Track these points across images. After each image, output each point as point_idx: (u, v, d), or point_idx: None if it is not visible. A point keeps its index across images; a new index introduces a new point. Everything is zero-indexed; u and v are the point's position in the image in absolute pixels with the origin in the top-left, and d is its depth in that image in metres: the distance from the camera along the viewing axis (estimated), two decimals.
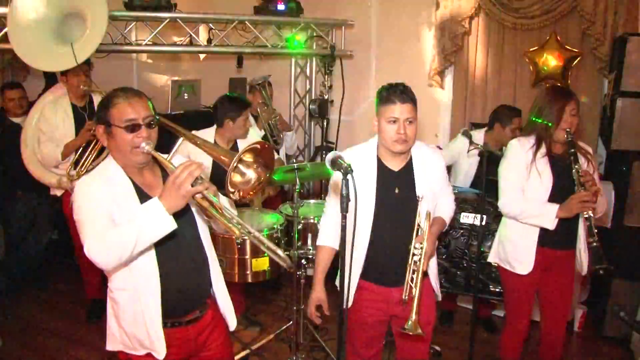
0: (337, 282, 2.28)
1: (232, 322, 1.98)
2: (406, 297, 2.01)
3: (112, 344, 1.81)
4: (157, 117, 1.78)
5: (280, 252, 1.62)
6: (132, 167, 1.75)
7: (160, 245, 1.66)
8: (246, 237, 1.64)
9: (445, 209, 2.24)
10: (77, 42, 3.01)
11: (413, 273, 2.00)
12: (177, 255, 1.77)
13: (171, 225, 1.56)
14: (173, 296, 1.75)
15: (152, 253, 1.70)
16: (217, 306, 1.95)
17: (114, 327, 1.80)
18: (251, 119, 3.95)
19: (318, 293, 2.22)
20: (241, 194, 1.66)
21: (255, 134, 3.50)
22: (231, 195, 1.61)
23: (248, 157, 1.67)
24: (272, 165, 1.71)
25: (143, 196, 1.71)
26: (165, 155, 1.79)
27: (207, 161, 3.14)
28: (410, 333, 1.92)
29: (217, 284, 1.92)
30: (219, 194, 1.66)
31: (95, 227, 1.61)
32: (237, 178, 1.65)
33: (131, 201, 1.70)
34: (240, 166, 1.66)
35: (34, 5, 2.91)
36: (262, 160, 1.68)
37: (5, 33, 3.38)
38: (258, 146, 1.66)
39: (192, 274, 1.82)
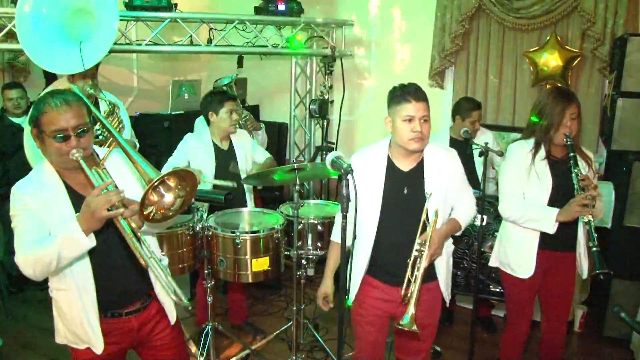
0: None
1: (172, 317, 1.99)
2: (403, 293, 2.01)
3: (58, 338, 1.89)
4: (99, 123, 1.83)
5: (178, 290, 1.66)
6: (66, 168, 1.76)
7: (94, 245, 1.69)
8: (150, 265, 1.67)
9: (462, 213, 2.20)
10: (85, 43, 2.98)
11: (414, 269, 2.00)
12: (112, 252, 1.80)
13: (89, 244, 1.62)
14: (110, 291, 1.81)
15: (85, 254, 1.73)
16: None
17: (57, 322, 1.88)
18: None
19: (325, 286, 2.29)
20: (155, 211, 1.63)
21: (247, 136, 3.48)
22: (145, 211, 1.60)
23: (171, 181, 1.64)
24: (190, 198, 1.69)
25: (77, 197, 1.73)
26: (103, 151, 1.82)
27: (208, 161, 3.15)
28: (406, 329, 1.92)
29: (156, 280, 1.90)
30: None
31: (24, 240, 1.66)
32: (154, 197, 1.62)
33: (63, 206, 1.73)
34: (161, 187, 1.64)
35: (41, 2, 2.89)
36: (183, 189, 1.66)
37: (6, 33, 3.39)
38: (183, 173, 1.64)
39: (128, 269, 1.84)
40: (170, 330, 2.00)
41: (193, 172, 1.67)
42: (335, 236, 2.26)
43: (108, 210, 1.58)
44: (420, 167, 2.11)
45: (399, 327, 1.93)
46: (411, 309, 1.93)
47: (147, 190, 1.55)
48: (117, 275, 1.82)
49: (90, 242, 1.63)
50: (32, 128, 1.71)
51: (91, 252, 1.73)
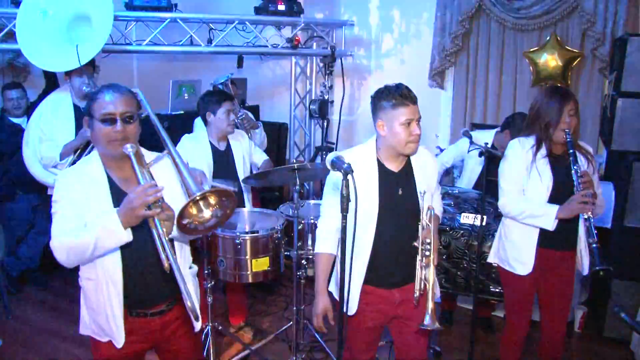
0: (331, 288, 2.23)
1: (196, 325, 1.99)
2: (418, 294, 2.01)
3: (82, 329, 1.93)
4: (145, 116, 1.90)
5: (195, 300, 1.69)
6: (112, 160, 1.81)
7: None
8: (173, 267, 1.69)
9: (437, 208, 2.26)
10: (82, 43, 3.01)
11: (423, 269, 2.00)
12: (142, 251, 1.82)
13: (126, 237, 1.68)
14: (136, 289, 1.84)
15: (117, 248, 1.77)
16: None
17: (83, 313, 1.92)
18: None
19: (324, 303, 2.13)
20: (192, 224, 1.69)
21: (245, 137, 3.48)
22: (183, 223, 1.65)
23: (212, 198, 1.70)
24: (227, 218, 1.76)
25: (117, 192, 1.78)
26: (151, 154, 1.87)
27: (206, 162, 3.15)
28: (429, 328, 1.93)
29: (182, 285, 1.87)
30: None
31: (62, 227, 1.72)
32: (193, 210, 1.68)
33: (103, 199, 1.77)
34: (201, 202, 1.70)
35: (43, 6, 2.92)
36: (223, 208, 1.71)
37: (6, 33, 3.40)
38: (228, 193, 1.71)
39: (156, 270, 1.85)
40: (189, 337, 2.00)
41: (234, 195, 1.73)
42: (322, 247, 2.13)
43: (146, 209, 1.63)
44: (409, 166, 2.12)
45: (423, 327, 1.94)
46: (430, 308, 1.94)
47: (188, 203, 1.63)
48: (145, 274, 1.85)
49: (128, 236, 1.68)
50: (85, 117, 1.82)
51: (123, 248, 1.77)
